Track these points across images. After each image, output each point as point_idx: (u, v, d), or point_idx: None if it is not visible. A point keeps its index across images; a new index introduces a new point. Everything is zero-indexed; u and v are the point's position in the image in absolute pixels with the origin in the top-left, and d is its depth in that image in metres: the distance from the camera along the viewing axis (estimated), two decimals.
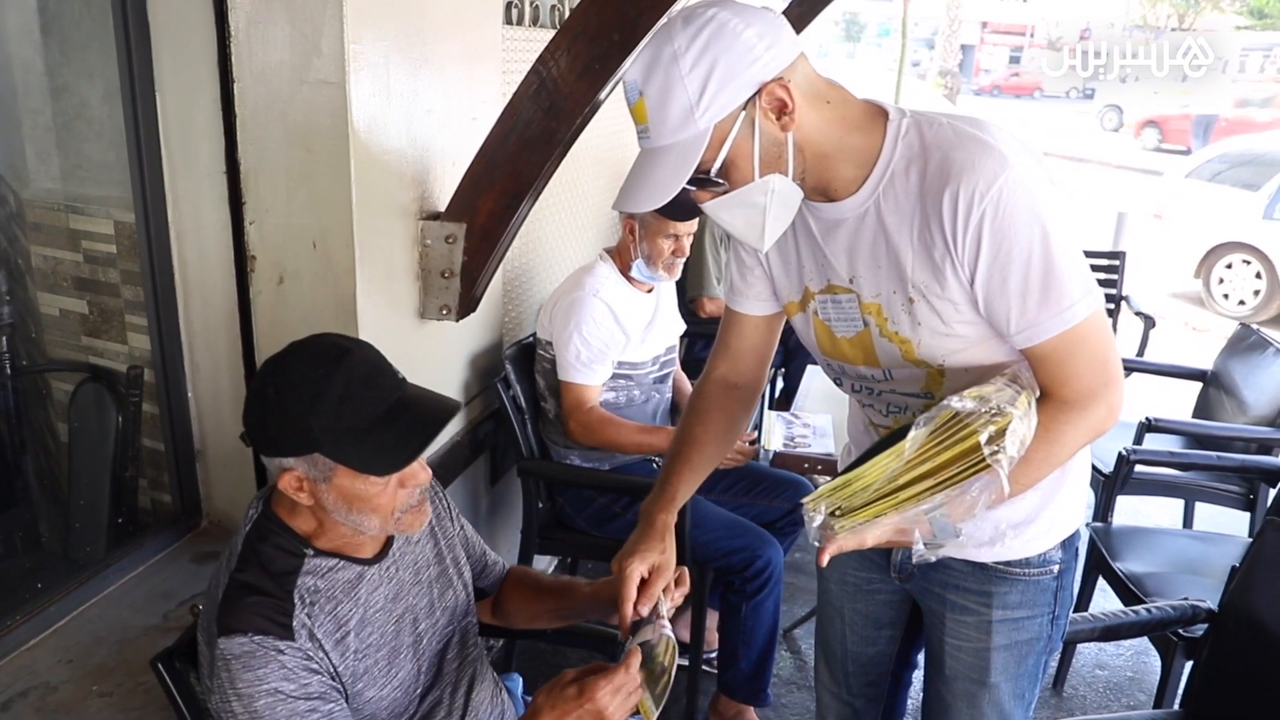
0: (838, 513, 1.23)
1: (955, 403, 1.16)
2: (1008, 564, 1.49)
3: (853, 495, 1.22)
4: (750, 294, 1.56)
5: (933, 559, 1.26)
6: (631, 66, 1.23)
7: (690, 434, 1.58)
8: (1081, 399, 1.27)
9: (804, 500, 1.27)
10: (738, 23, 1.17)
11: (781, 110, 1.21)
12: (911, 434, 1.17)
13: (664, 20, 1.21)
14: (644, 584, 1.41)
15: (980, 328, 1.30)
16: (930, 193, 1.24)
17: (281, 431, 1.27)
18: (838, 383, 1.54)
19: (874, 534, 1.24)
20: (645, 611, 1.39)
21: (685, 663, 2.43)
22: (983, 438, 1.12)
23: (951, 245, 1.24)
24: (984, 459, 1.12)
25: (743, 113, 1.20)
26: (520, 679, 1.84)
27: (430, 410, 1.32)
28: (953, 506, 1.18)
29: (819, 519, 1.24)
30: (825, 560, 1.26)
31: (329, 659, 1.32)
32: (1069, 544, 1.51)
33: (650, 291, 2.75)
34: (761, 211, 1.26)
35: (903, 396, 1.43)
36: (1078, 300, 1.23)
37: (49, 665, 1.84)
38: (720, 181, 1.25)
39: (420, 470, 1.34)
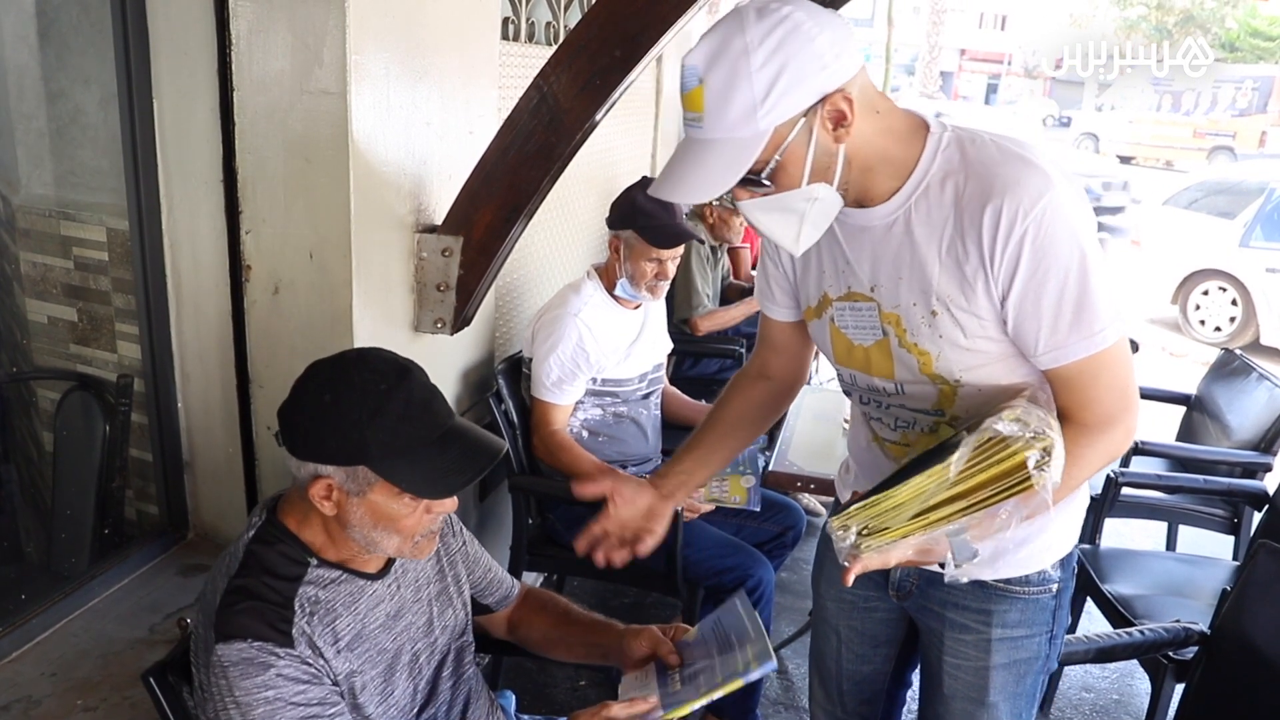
0: (865, 532, 1.22)
1: (999, 426, 1.15)
2: (1008, 582, 1.48)
3: (881, 515, 1.22)
4: (775, 301, 1.58)
5: (964, 580, 1.27)
6: (693, 52, 1.18)
7: (705, 420, 1.69)
8: (1101, 423, 1.28)
9: (831, 519, 1.26)
10: (812, 26, 1.15)
11: (839, 121, 1.20)
12: (955, 457, 1.16)
13: (734, 7, 1.20)
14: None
15: (1002, 345, 1.31)
16: (969, 207, 1.24)
17: (332, 438, 1.25)
18: (848, 393, 1.54)
19: (897, 553, 1.24)
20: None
21: None
22: (1031, 461, 1.12)
23: (988, 260, 1.24)
24: (1026, 479, 1.13)
25: (802, 119, 1.18)
26: (513, 696, 1.81)
27: (479, 444, 1.32)
28: (981, 527, 1.18)
29: (850, 539, 1.23)
30: (850, 580, 1.25)
31: (329, 667, 1.30)
32: (1066, 563, 1.51)
33: (637, 308, 2.75)
34: (800, 217, 1.26)
35: (911, 412, 1.43)
36: (1108, 325, 1.24)
37: (32, 678, 1.80)
38: (767, 184, 1.23)
39: (451, 499, 1.34)
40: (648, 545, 1.58)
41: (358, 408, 1.24)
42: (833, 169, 1.23)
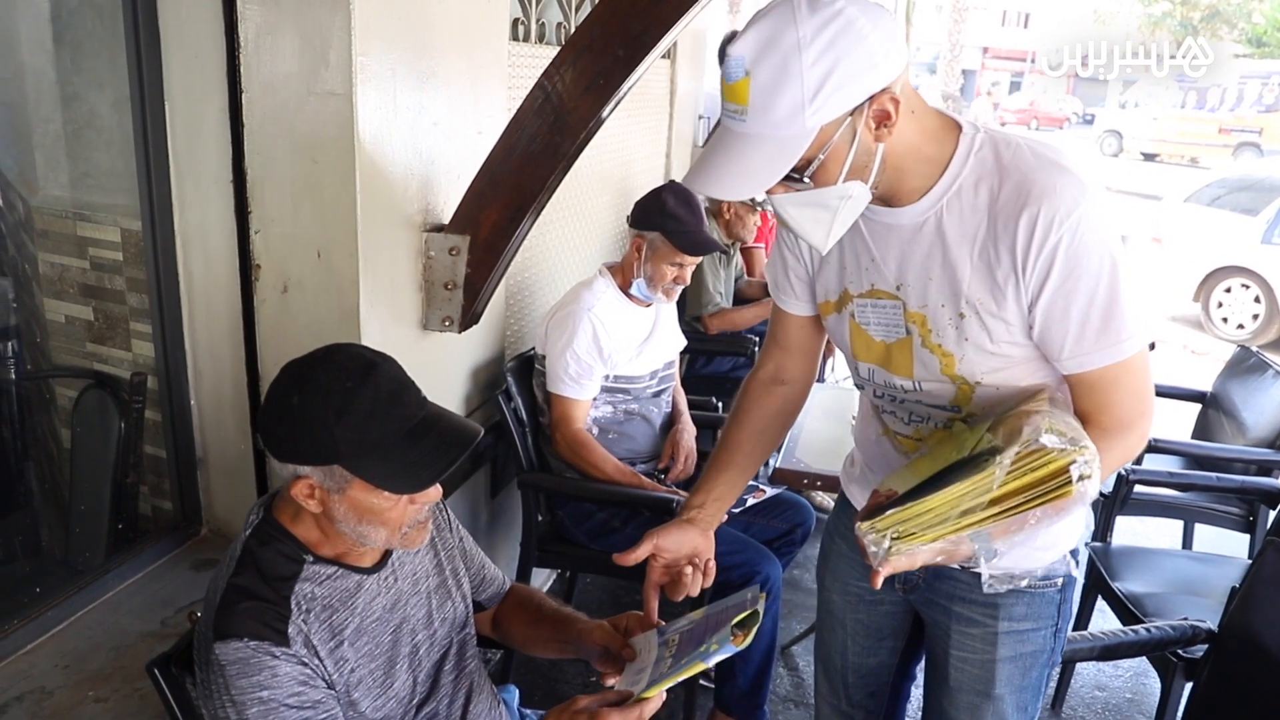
0: (895, 535, 1.21)
1: (1043, 439, 1.13)
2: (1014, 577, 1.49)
3: (913, 520, 1.20)
4: (791, 294, 1.56)
5: (1002, 590, 1.27)
6: (740, 41, 1.14)
7: (727, 438, 1.62)
8: (1118, 426, 1.29)
9: (860, 523, 1.24)
10: (865, 23, 1.12)
11: (883, 121, 1.18)
12: (999, 471, 1.14)
13: None
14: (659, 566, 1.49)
15: (1026, 349, 1.31)
16: (1004, 212, 1.23)
17: (303, 440, 1.26)
18: (861, 387, 1.54)
19: (924, 555, 1.23)
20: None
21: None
22: (1075, 472, 1.11)
23: (1020, 266, 1.23)
24: (1063, 486, 1.12)
25: (848, 119, 1.16)
26: (517, 690, 1.83)
27: (454, 433, 1.33)
28: (1006, 530, 1.17)
29: (885, 544, 1.21)
30: (879, 583, 1.24)
31: (324, 666, 1.32)
32: (1072, 557, 1.52)
33: (649, 307, 2.76)
34: (832, 214, 1.24)
35: (927, 408, 1.43)
36: (1134, 335, 1.24)
37: (45, 670, 1.84)
38: (807, 182, 1.21)
39: (433, 489, 1.34)
40: (712, 570, 1.52)
41: (324, 408, 1.24)
42: (870, 168, 1.22)
